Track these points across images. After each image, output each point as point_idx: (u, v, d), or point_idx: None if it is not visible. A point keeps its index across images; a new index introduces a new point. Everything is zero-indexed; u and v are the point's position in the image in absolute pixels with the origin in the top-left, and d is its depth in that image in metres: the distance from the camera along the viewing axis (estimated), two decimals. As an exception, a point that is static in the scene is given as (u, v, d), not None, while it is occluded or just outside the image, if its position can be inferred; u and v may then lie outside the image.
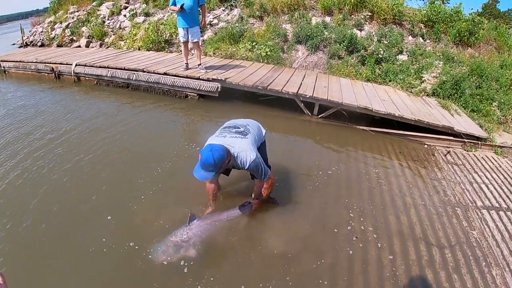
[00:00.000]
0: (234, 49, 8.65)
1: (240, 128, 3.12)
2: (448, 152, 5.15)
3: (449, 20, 8.77)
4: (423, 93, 6.94)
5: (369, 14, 8.85)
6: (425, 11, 8.97)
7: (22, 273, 2.73)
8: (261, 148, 3.33)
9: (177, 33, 9.08)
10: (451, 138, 5.43)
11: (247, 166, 2.91)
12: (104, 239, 3.06)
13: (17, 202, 3.62)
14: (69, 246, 3.02)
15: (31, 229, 3.21)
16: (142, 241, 3.01)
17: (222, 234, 3.14)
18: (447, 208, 3.76)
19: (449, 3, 10.53)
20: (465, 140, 5.35)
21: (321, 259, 2.94)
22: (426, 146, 5.36)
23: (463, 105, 6.60)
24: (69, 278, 2.70)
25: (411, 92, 7.02)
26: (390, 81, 7.45)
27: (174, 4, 6.38)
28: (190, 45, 7.01)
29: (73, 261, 2.86)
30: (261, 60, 8.16)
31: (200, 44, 7.13)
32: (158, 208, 3.50)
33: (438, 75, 7.09)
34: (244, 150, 2.89)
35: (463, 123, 5.71)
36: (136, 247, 2.96)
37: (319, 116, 6.14)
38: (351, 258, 2.98)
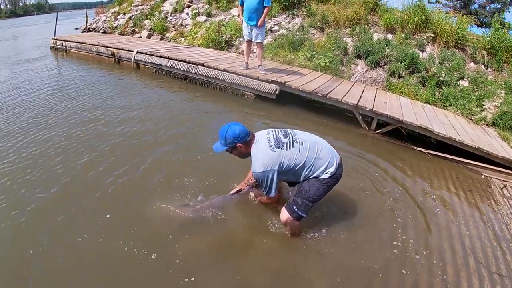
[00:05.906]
0: (292, 56, 8.82)
1: (285, 138, 2.82)
2: (505, 185, 5.04)
3: (513, 49, 8.50)
4: (483, 122, 6.81)
5: (432, 35, 8.79)
6: (488, 38, 8.76)
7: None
8: (311, 183, 2.90)
9: (237, 36, 9.36)
10: (509, 171, 5.30)
11: (252, 170, 2.85)
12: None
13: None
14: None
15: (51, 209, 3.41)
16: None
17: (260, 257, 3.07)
18: (501, 242, 3.70)
19: (515, 32, 10.18)
20: (524, 176, 5.20)
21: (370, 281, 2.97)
22: (483, 176, 5.27)
23: (524, 139, 6.39)
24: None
25: (471, 119, 6.92)
26: (450, 105, 7.36)
27: (242, 3, 6.60)
28: (252, 45, 7.16)
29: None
30: (319, 70, 8.29)
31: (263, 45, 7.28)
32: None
33: (499, 105, 6.91)
34: (258, 158, 2.76)
35: (523, 157, 5.54)
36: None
37: (376, 131, 6.12)
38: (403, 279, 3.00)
